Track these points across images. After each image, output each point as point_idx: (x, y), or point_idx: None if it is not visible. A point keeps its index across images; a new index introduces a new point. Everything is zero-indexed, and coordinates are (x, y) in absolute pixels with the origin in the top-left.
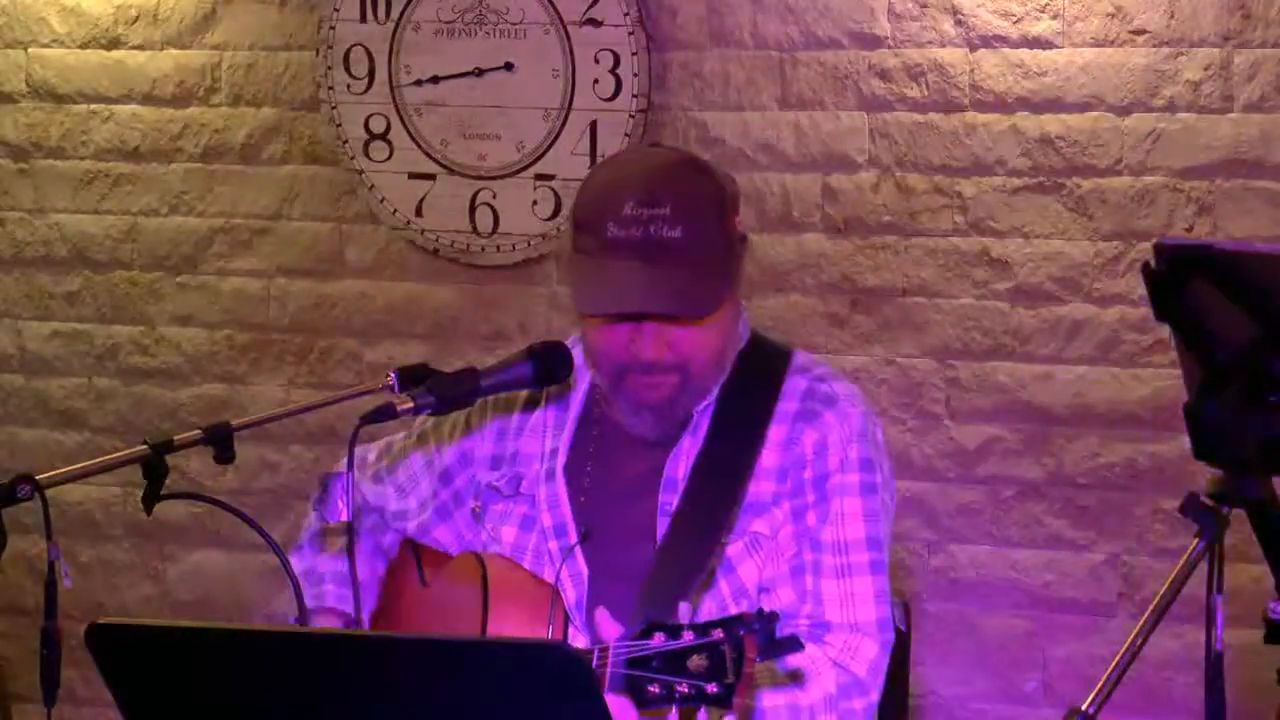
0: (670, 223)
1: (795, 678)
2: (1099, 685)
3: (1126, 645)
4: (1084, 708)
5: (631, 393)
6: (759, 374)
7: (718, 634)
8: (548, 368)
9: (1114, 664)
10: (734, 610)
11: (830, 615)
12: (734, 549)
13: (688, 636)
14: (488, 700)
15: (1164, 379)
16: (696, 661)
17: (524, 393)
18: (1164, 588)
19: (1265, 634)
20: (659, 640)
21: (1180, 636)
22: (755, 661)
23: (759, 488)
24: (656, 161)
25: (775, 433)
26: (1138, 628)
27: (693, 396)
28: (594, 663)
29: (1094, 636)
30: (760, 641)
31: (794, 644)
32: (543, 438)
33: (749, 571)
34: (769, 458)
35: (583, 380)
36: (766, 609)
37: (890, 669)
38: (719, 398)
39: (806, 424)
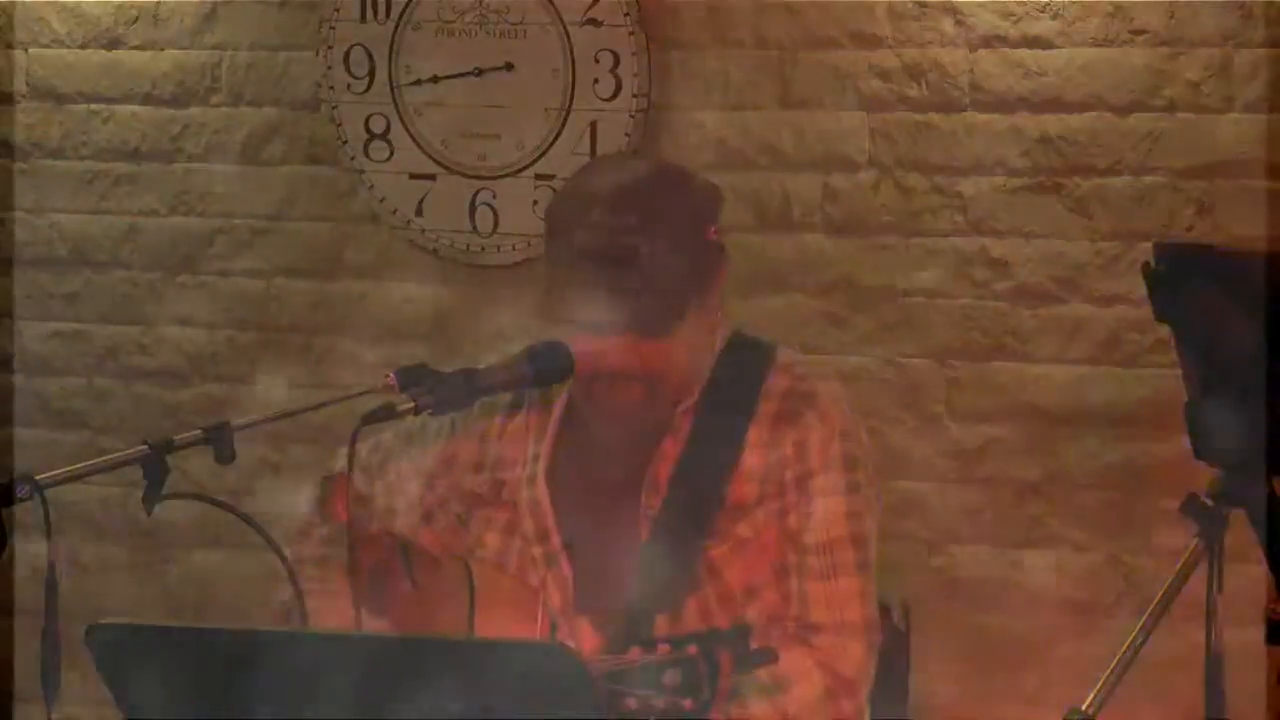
0: (637, 234)
1: (780, 683)
2: (1099, 685)
3: (1126, 645)
4: (1084, 708)
5: (600, 401)
6: (740, 374)
7: (692, 650)
8: (548, 368)
9: (1114, 664)
10: (720, 616)
11: (816, 617)
12: (718, 553)
13: (663, 652)
14: (486, 700)
15: (1164, 379)
16: (673, 677)
17: (507, 396)
18: (1164, 588)
19: (1265, 634)
20: (636, 655)
21: (1180, 636)
22: (730, 676)
23: (741, 490)
24: (630, 171)
25: (756, 434)
26: (1138, 628)
27: (662, 405)
28: None
29: (1094, 636)
30: (734, 656)
31: (768, 656)
32: (525, 442)
33: (734, 575)
34: (751, 459)
35: (567, 383)
36: (749, 616)
37: (890, 669)
38: (700, 398)
39: (788, 424)
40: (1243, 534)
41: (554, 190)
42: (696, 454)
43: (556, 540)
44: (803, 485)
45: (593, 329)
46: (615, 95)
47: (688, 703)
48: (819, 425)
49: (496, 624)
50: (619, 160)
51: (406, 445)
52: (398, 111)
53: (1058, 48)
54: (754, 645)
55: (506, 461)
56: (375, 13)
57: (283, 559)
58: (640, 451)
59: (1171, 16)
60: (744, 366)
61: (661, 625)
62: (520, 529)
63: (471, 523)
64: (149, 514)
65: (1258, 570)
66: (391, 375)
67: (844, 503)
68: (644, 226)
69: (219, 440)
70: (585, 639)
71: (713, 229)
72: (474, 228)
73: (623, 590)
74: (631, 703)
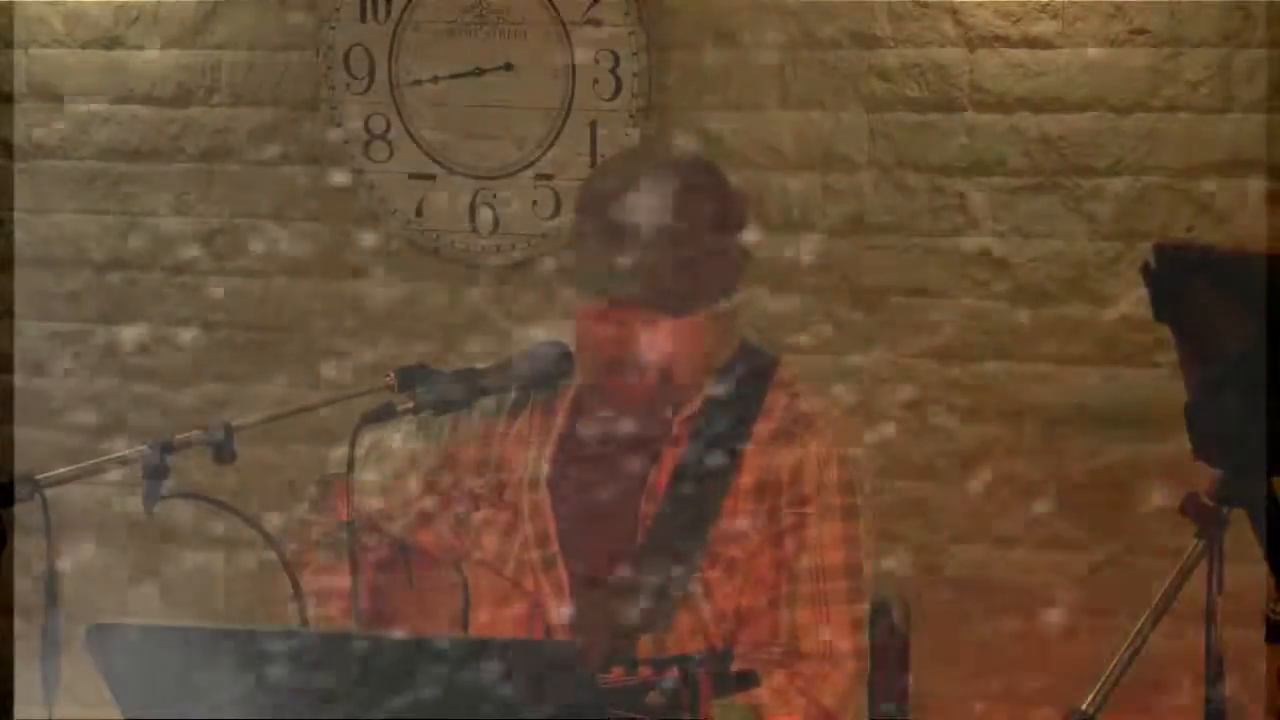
0: (659, 217)
1: (759, 711)
2: (1099, 685)
3: (1126, 645)
4: (1084, 708)
5: (611, 393)
6: (742, 388)
7: (673, 672)
8: (548, 368)
9: (1114, 664)
10: (715, 637)
11: (804, 645)
12: (712, 574)
13: (645, 673)
14: (486, 699)
15: (1164, 379)
16: (654, 698)
17: (511, 397)
18: (1164, 588)
19: (1265, 634)
20: (617, 675)
21: (1180, 636)
22: (710, 699)
23: (736, 510)
24: (662, 161)
25: (754, 452)
26: (1138, 628)
27: (671, 401)
28: None
29: (1094, 636)
30: (714, 679)
31: (749, 680)
32: (528, 445)
33: (728, 596)
34: (747, 480)
35: (570, 387)
36: (743, 639)
37: (889, 669)
38: (701, 409)
39: (785, 446)
40: (1243, 534)
41: (554, 190)
42: (693, 466)
43: (555, 545)
44: (797, 510)
45: (605, 311)
46: (615, 95)
47: None
48: (816, 449)
49: (491, 626)
50: (655, 150)
51: (408, 445)
52: (398, 111)
53: (1058, 48)
54: (735, 669)
55: (509, 463)
56: (375, 13)
57: (282, 558)
58: (642, 458)
59: (1171, 16)
60: (746, 380)
61: (654, 642)
62: (520, 532)
63: (471, 523)
64: (149, 514)
65: (1258, 570)
66: (391, 375)
67: (840, 529)
68: (665, 213)
69: (219, 440)
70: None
71: (737, 230)
72: (474, 228)
73: (615, 601)
74: None
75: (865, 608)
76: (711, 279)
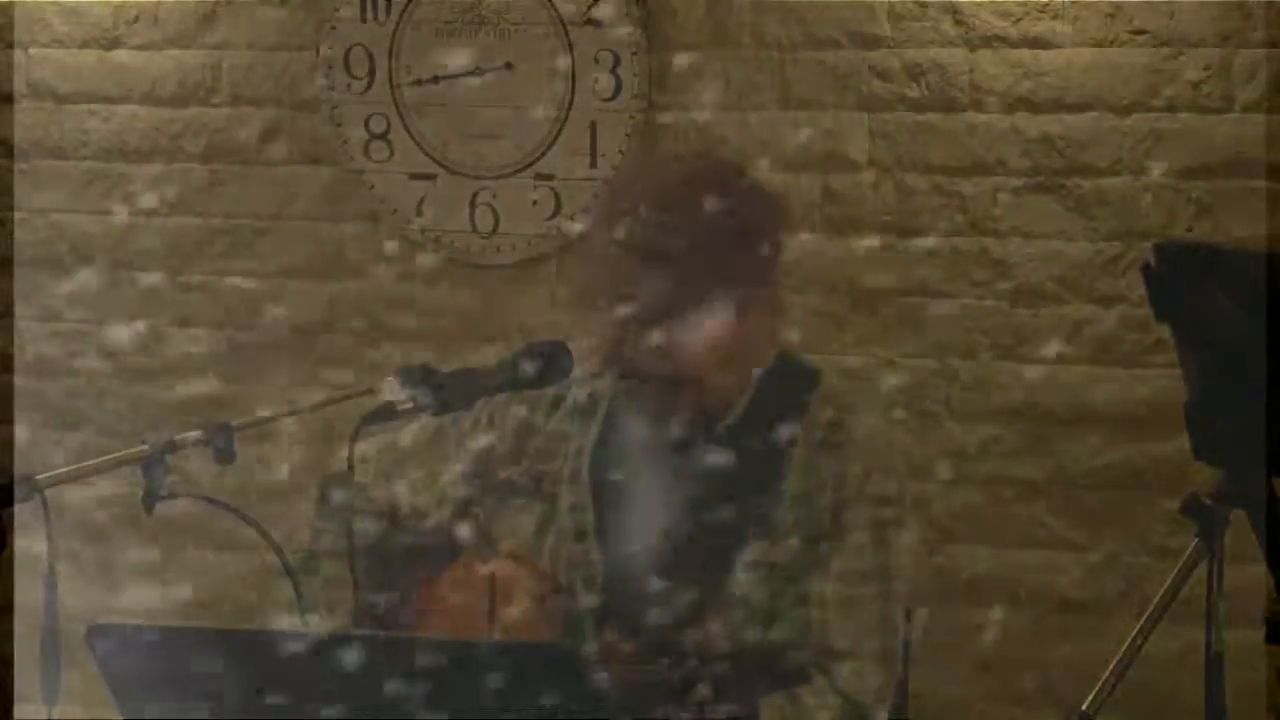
0: (676, 231)
1: (799, 709)
2: (1099, 685)
3: (1126, 645)
4: (1084, 708)
5: (636, 396)
6: (784, 399)
7: (719, 667)
8: (548, 367)
9: (1114, 664)
10: (750, 635)
11: (836, 644)
12: (750, 577)
13: (693, 666)
14: (489, 700)
15: (1164, 379)
16: (703, 691)
17: (551, 391)
18: (1164, 588)
19: (1265, 634)
20: (665, 667)
21: (1180, 636)
22: (760, 694)
23: (776, 514)
24: (687, 171)
25: (796, 461)
26: (1138, 628)
27: (696, 407)
28: None
29: (1094, 636)
30: (766, 674)
31: (802, 676)
32: (568, 437)
33: (763, 597)
34: (788, 484)
35: (611, 381)
36: (775, 639)
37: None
38: (742, 417)
39: (827, 455)
40: (1243, 534)
41: (554, 190)
42: (734, 469)
43: (593, 539)
44: (836, 516)
45: (625, 322)
46: (615, 95)
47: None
48: (857, 459)
49: (519, 621)
50: (681, 159)
51: (435, 442)
52: (398, 111)
53: (1058, 48)
54: (786, 666)
55: (548, 454)
56: (375, 13)
57: (282, 558)
58: (684, 456)
59: (1171, 16)
60: (788, 391)
61: (695, 639)
62: (556, 523)
63: (506, 513)
64: (149, 514)
65: (1258, 570)
66: (391, 375)
67: (870, 535)
68: (682, 224)
69: (219, 440)
70: (615, 644)
71: (770, 242)
72: (474, 228)
73: (654, 598)
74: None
75: (901, 611)
76: (743, 285)
